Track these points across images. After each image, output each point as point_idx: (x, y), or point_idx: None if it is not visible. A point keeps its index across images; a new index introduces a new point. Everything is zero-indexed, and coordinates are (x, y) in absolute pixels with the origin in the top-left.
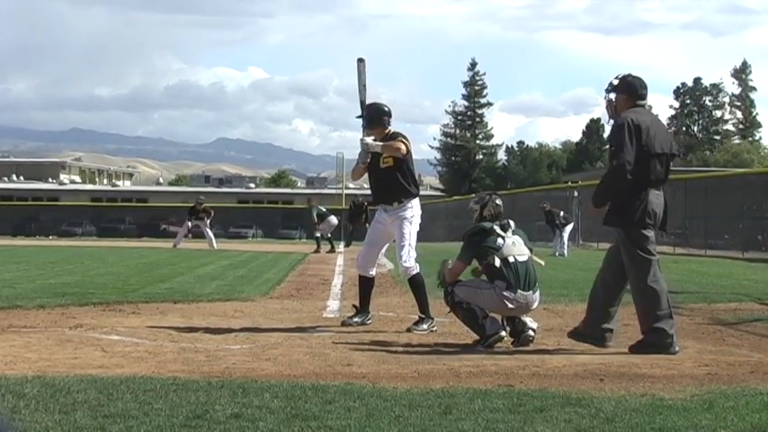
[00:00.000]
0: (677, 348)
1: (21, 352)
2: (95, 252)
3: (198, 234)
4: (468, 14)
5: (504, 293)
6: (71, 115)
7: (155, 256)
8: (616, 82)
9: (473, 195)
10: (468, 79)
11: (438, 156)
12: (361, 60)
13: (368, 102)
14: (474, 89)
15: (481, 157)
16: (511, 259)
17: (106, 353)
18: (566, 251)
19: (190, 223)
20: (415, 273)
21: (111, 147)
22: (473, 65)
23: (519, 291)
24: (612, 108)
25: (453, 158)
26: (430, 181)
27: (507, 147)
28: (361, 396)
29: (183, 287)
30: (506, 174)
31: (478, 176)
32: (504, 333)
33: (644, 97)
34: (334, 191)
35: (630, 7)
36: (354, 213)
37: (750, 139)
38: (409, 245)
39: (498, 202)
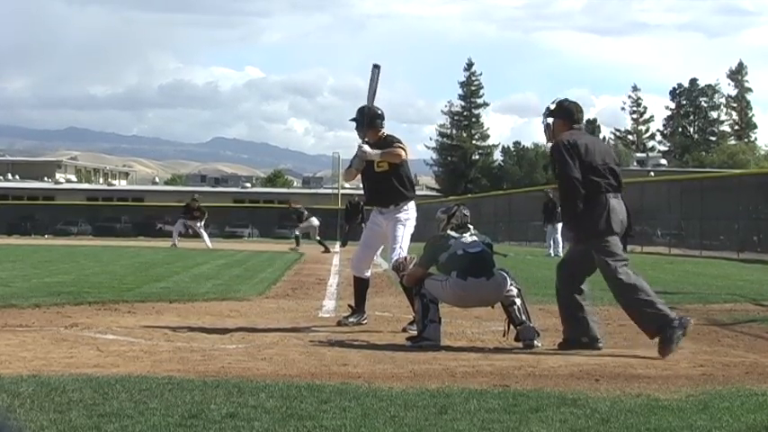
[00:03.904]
0: (688, 319)
1: (16, 351)
2: (91, 251)
3: (197, 234)
4: (465, 14)
5: (456, 281)
6: (67, 114)
7: (150, 256)
8: (553, 107)
9: (442, 207)
10: (464, 79)
11: (434, 156)
12: (376, 66)
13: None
14: (470, 89)
15: (477, 157)
16: (459, 252)
17: (101, 352)
18: (560, 251)
19: (186, 222)
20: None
21: (107, 146)
22: (469, 65)
23: (469, 278)
24: (550, 132)
25: (449, 159)
26: (426, 181)
27: (503, 147)
28: (356, 396)
29: (178, 286)
30: (502, 174)
31: (475, 177)
32: (438, 344)
33: (579, 121)
34: (330, 191)
35: (627, 8)
36: (351, 213)
37: (746, 140)
38: (400, 247)
39: (465, 212)
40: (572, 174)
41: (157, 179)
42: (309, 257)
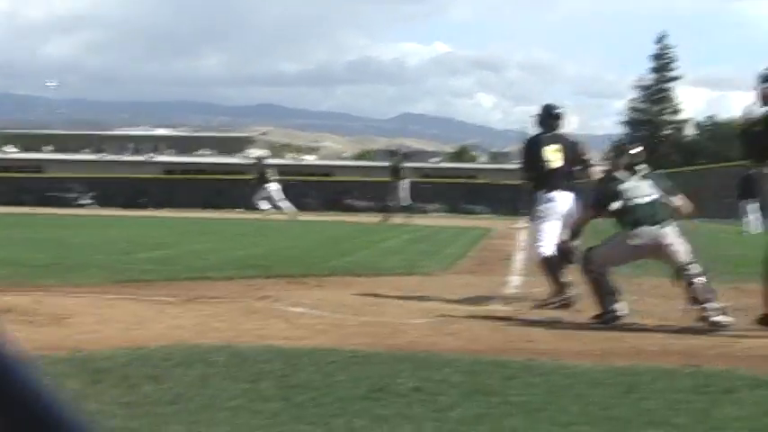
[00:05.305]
0: None
1: (209, 321)
2: (281, 226)
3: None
4: None
5: (631, 232)
6: (258, 91)
7: (337, 230)
8: None
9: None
10: (656, 52)
11: (625, 130)
12: None
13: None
14: (662, 62)
15: (669, 131)
16: (630, 203)
17: (291, 324)
18: (760, 226)
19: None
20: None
21: (299, 122)
22: (662, 37)
23: (644, 227)
24: (764, 98)
25: (640, 133)
26: None
27: (697, 122)
28: (542, 372)
29: (365, 261)
30: (696, 149)
31: (665, 152)
32: (624, 313)
33: None
34: (517, 166)
35: None
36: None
37: None
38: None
39: (633, 151)
40: None
41: (345, 154)
42: (496, 233)
